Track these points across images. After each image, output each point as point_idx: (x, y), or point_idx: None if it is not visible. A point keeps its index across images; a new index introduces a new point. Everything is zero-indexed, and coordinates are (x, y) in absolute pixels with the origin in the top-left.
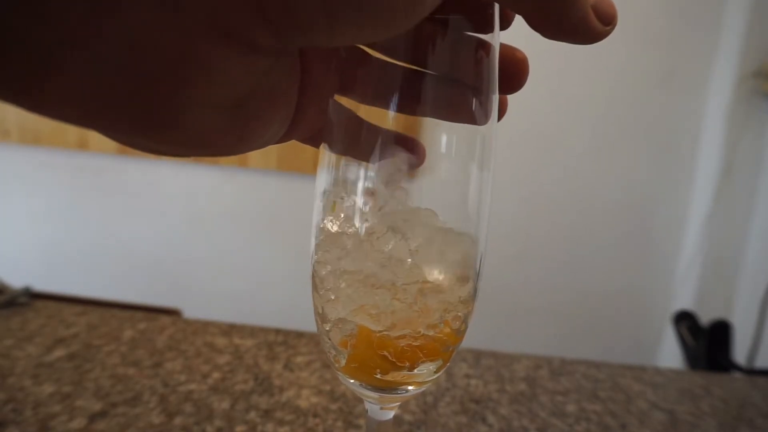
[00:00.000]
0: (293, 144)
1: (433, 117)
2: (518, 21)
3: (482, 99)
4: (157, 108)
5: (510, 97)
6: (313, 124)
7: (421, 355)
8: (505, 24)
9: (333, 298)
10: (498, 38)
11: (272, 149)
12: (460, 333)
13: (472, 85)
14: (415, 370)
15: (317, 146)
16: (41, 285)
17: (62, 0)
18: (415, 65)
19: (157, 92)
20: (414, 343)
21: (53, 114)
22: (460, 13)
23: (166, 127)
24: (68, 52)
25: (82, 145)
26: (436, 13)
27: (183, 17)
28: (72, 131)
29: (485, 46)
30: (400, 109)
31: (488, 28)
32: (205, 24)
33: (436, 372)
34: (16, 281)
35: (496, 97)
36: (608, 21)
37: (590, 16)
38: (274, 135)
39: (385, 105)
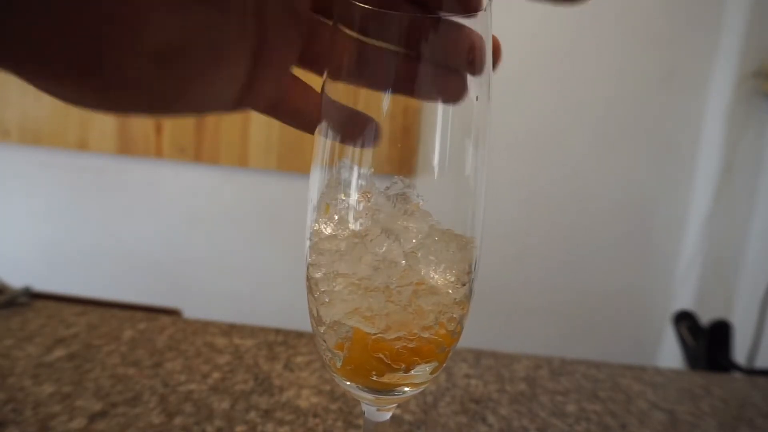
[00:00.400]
0: (293, 144)
1: (402, 94)
2: (518, 19)
3: (454, 77)
4: (77, 47)
5: (510, 97)
6: (271, 94)
7: (416, 357)
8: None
9: (327, 300)
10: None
11: (272, 149)
12: (455, 334)
13: (442, 64)
14: (411, 372)
15: (279, 119)
16: (41, 285)
17: None
18: (383, 43)
19: (75, 29)
20: (409, 345)
21: None
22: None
23: (88, 71)
24: None
25: (82, 145)
26: None
27: None
28: (72, 131)
29: (459, 28)
30: (369, 86)
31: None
32: None
33: (431, 373)
34: (16, 281)
35: (489, 118)
36: None
37: None
38: (221, 99)
39: (353, 81)
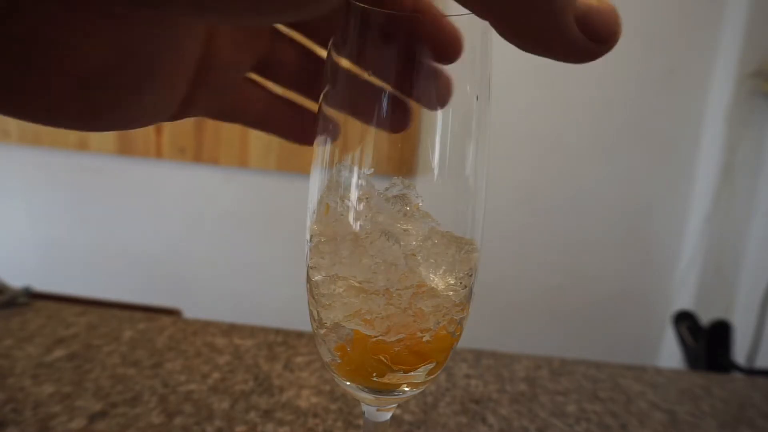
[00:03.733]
0: (293, 144)
1: (345, 112)
2: None
3: (399, 103)
4: (7, 78)
5: (510, 97)
6: (219, 103)
7: (416, 359)
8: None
9: (328, 303)
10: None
11: (272, 149)
12: (455, 336)
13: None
14: (411, 373)
15: (229, 122)
16: (41, 285)
17: None
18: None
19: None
20: (409, 347)
21: None
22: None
23: (10, 89)
24: None
25: (82, 145)
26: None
27: None
28: (72, 131)
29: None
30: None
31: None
32: None
33: (432, 374)
34: (16, 281)
35: (489, 119)
36: (603, 38)
37: (572, 29)
38: (157, 112)
39: (304, 92)
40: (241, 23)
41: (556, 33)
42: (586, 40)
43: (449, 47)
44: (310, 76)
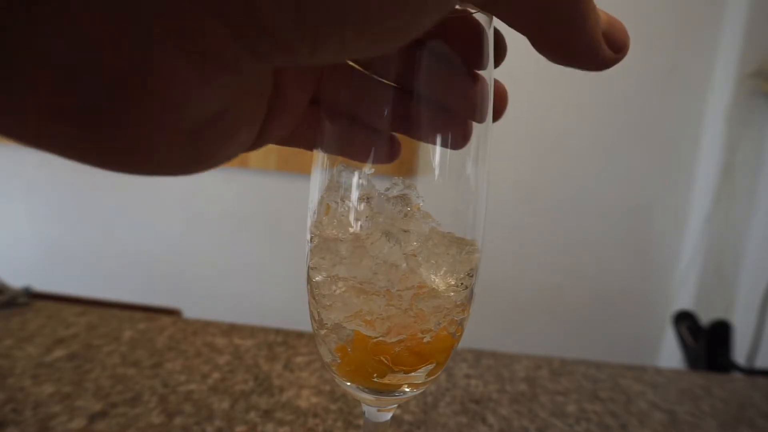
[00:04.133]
0: None
1: (410, 137)
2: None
3: (464, 125)
4: (112, 128)
5: (510, 97)
6: (284, 132)
7: (417, 360)
8: (499, 55)
9: (328, 304)
10: (490, 62)
11: (272, 149)
12: (456, 336)
13: (456, 112)
14: (412, 373)
15: (293, 146)
16: (41, 285)
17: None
18: (396, 83)
19: (111, 111)
20: (410, 348)
21: (2, 130)
22: (451, 39)
23: (125, 150)
24: (11, 61)
25: None
26: (426, 36)
27: (137, 27)
28: None
29: (472, 75)
30: (379, 125)
31: (478, 57)
32: (163, 33)
33: (432, 375)
34: (16, 281)
35: (489, 120)
36: (619, 48)
37: (600, 41)
38: (239, 150)
39: (366, 120)
40: (370, 53)
41: (591, 49)
42: (610, 51)
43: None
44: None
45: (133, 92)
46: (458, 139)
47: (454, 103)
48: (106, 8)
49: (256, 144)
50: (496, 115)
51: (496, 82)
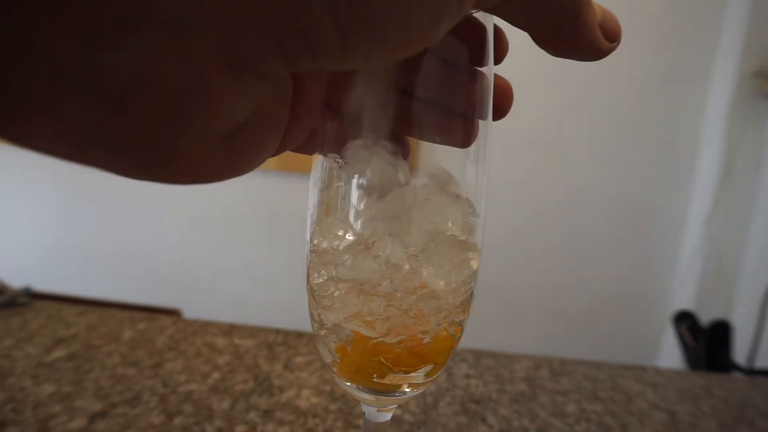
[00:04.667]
0: None
1: (418, 138)
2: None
3: (469, 124)
4: (155, 143)
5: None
6: (302, 138)
7: (417, 360)
8: (499, 55)
9: (328, 304)
10: (491, 59)
11: None
12: (456, 337)
13: (460, 111)
14: (412, 374)
15: (310, 153)
16: (41, 285)
17: (57, 32)
18: (403, 88)
19: (157, 127)
20: (410, 348)
21: (42, 149)
22: (453, 38)
23: (166, 162)
24: (60, 88)
25: None
26: None
27: (189, 45)
28: None
29: (475, 74)
30: (386, 128)
31: (481, 56)
32: (213, 52)
33: (432, 375)
34: (16, 281)
35: (490, 119)
36: (614, 38)
37: (598, 34)
38: (267, 155)
39: (371, 124)
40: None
41: (590, 41)
42: (605, 41)
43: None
44: None
45: (181, 108)
46: (463, 137)
47: (456, 102)
48: (158, 37)
49: (279, 149)
50: (502, 113)
51: (500, 78)
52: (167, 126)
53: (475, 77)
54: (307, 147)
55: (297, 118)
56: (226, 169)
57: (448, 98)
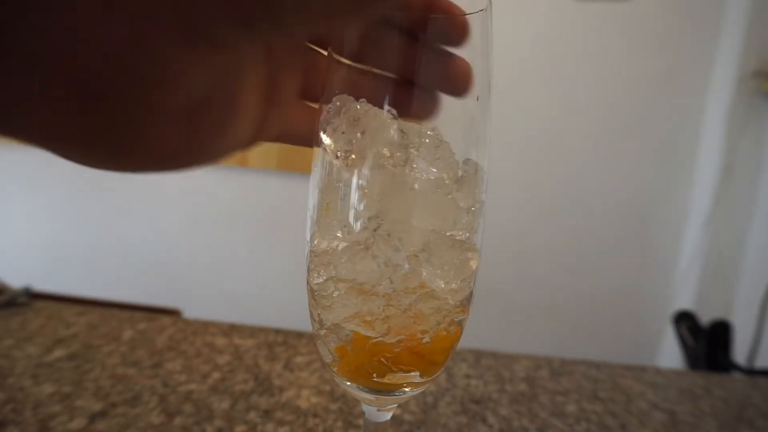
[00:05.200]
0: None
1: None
2: (519, 20)
3: (431, 96)
4: (111, 118)
5: (511, 97)
6: (280, 126)
7: (416, 360)
8: (456, 34)
9: (328, 304)
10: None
11: (272, 149)
12: (455, 338)
13: (419, 83)
14: (411, 373)
15: (289, 143)
16: (41, 285)
17: None
18: (371, 66)
19: (111, 100)
20: (409, 348)
21: (8, 133)
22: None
23: (125, 143)
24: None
25: None
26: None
27: (132, 6)
28: None
29: (437, 50)
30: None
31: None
32: (163, 15)
33: (432, 375)
34: (16, 281)
35: (487, 126)
36: None
37: None
38: (238, 143)
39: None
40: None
41: None
42: None
43: (456, 29)
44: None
45: (132, 73)
46: (427, 112)
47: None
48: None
49: (254, 139)
50: (461, 91)
51: (458, 59)
52: (121, 97)
53: (443, 55)
54: (290, 138)
55: (271, 105)
56: (188, 152)
57: (427, 78)
